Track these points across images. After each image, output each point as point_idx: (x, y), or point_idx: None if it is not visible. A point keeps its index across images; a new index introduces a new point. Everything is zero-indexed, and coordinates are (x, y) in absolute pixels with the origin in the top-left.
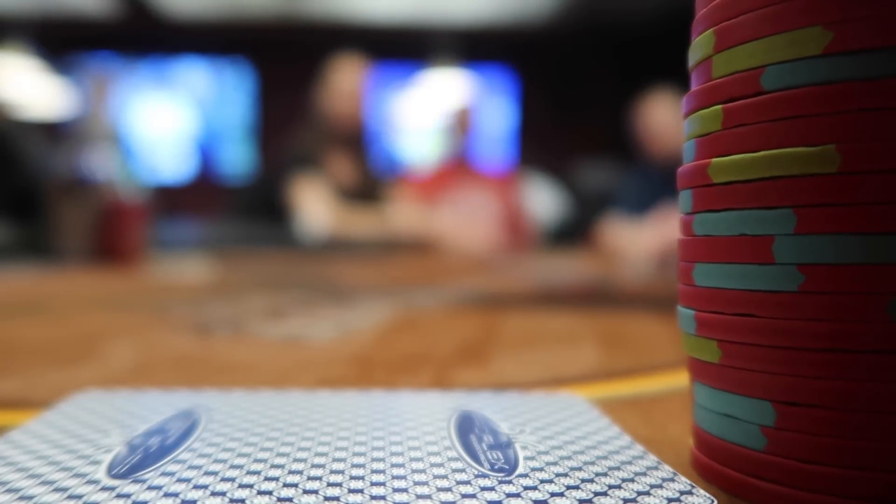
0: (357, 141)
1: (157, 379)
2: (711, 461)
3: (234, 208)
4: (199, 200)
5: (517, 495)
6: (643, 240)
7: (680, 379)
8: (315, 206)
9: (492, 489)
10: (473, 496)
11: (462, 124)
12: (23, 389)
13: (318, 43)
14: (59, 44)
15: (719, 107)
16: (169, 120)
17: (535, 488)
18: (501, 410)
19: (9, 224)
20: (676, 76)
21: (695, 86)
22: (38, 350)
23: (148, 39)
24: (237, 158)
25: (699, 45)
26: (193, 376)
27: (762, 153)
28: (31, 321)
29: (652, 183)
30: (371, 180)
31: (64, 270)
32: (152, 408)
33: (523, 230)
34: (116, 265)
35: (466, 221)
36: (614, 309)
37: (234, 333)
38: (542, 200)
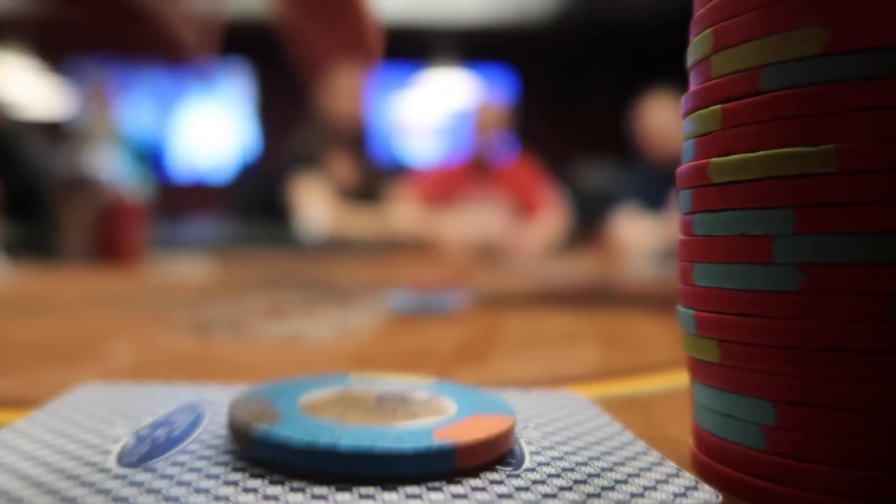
0: (358, 141)
1: (157, 378)
2: (711, 460)
3: (235, 208)
4: (200, 200)
5: (526, 489)
6: (652, 234)
7: (680, 379)
8: (315, 205)
9: (501, 483)
10: (483, 489)
11: (483, 122)
12: (23, 389)
13: None
14: None
15: (718, 107)
16: (180, 121)
17: (543, 482)
18: None
19: (9, 224)
20: (675, 76)
21: (693, 86)
22: (38, 350)
23: None
24: (237, 158)
25: (697, 45)
26: (194, 376)
27: (761, 153)
28: (31, 321)
29: (652, 184)
30: (371, 180)
31: (64, 270)
32: (156, 400)
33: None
34: (116, 265)
35: (468, 223)
36: (614, 309)
37: (234, 333)
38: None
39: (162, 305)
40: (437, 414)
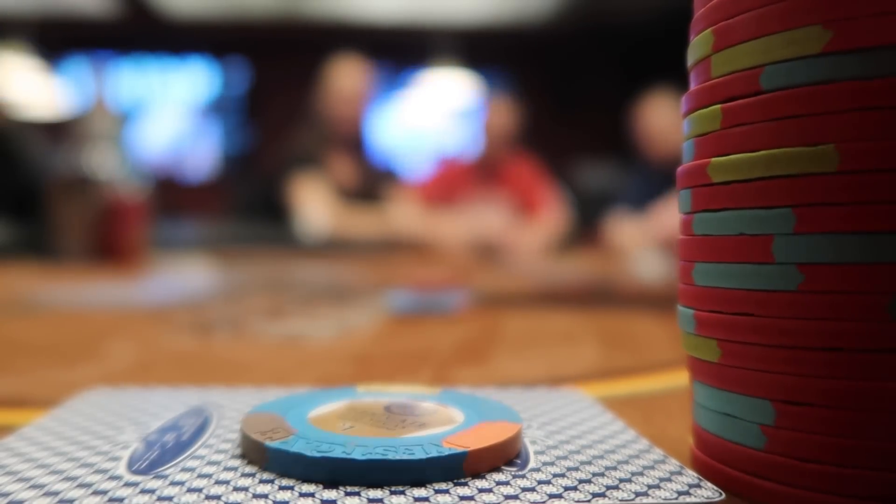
0: (357, 141)
1: (157, 378)
2: (711, 460)
3: (234, 208)
4: (200, 200)
5: (532, 489)
6: (647, 234)
7: (680, 378)
8: (315, 205)
9: (507, 483)
10: (490, 491)
11: (493, 122)
12: (23, 389)
13: (318, 43)
14: (59, 44)
15: (718, 106)
16: (170, 119)
17: (548, 482)
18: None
19: (9, 223)
20: (676, 76)
21: (694, 85)
22: (38, 350)
23: (148, 39)
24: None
25: (698, 45)
26: (194, 375)
27: (761, 153)
28: (31, 321)
29: (653, 184)
30: (371, 180)
31: (64, 270)
32: (163, 405)
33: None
34: (116, 265)
35: (467, 222)
36: (614, 309)
37: (234, 333)
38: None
39: (162, 305)
40: (445, 423)
